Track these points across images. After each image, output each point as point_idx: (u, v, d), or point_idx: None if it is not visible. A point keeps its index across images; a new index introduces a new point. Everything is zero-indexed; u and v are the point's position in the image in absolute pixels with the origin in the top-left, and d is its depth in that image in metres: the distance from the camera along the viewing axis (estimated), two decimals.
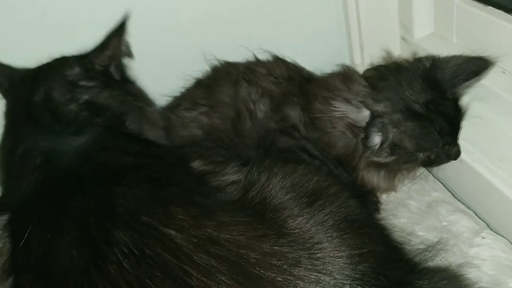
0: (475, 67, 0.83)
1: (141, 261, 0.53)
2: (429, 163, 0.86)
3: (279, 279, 0.53)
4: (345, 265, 0.57)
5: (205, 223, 0.56)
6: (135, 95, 0.88)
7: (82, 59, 0.84)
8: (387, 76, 0.85)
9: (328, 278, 0.55)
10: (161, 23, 1.02)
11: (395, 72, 0.86)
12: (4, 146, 0.80)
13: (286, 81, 0.94)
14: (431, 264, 0.70)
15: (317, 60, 1.02)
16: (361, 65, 1.17)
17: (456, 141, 0.85)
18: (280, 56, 1.00)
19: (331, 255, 0.57)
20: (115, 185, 0.62)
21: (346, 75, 0.87)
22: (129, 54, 0.91)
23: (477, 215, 0.90)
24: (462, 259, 0.79)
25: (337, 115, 0.83)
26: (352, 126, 0.83)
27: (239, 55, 1.01)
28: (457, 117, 0.84)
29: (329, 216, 0.61)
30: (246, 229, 0.57)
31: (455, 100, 0.85)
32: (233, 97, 0.92)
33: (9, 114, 0.83)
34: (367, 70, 0.91)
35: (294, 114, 0.90)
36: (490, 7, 0.94)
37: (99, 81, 0.82)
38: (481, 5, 0.95)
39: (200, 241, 0.54)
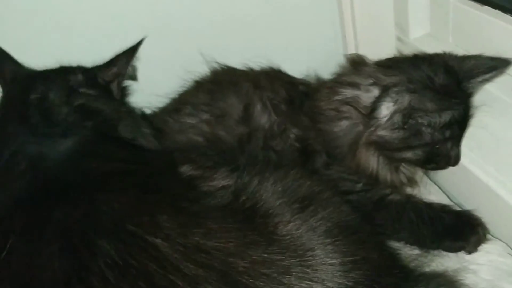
0: (494, 63, 0.83)
1: (125, 272, 0.51)
2: (429, 159, 0.84)
3: None
4: (338, 272, 0.56)
5: (193, 231, 0.55)
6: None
7: (87, 70, 0.85)
8: (402, 59, 0.86)
9: (320, 286, 0.54)
10: (158, 25, 1.02)
11: (410, 57, 0.87)
12: None
13: (287, 104, 0.92)
14: (427, 269, 0.69)
15: (312, 61, 1.02)
16: None
17: (460, 140, 0.84)
18: (276, 67, 1.00)
19: (323, 262, 0.56)
20: (100, 192, 0.60)
21: (354, 61, 0.87)
22: (134, 77, 0.93)
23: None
24: (459, 264, 0.78)
25: (342, 99, 0.83)
26: (359, 107, 0.82)
27: (235, 57, 1.01)
28: (467, 112, 0.83)
29: (321, 222, 0.60)
30: (235, 236, 0.56)
31: (469, 95, 0.84)
32: (244, 117, 0.90)
33: (3, 107, 0.82)
34: (380, 60, 0.90)
35: (298, 133, 0.89)
36: (486, 6, 0.93)
37: (98, 91, 0.82)
38: (477, 5, 0.94)
39: (187, 250, 0.53)
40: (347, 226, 0.62)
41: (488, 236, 0.84)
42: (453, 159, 0.83)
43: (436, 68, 0.81)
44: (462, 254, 0.81)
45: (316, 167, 0.87)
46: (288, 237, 0.58)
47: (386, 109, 0.80)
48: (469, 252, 0.81)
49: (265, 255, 0.55)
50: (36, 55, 0.89)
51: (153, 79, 0.99)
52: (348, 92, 0.83)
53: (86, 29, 0.95)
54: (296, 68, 1.01)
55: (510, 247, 0.83)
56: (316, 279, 0.55)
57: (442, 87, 0.79)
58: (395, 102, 0.79)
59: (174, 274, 0.51)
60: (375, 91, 0.81)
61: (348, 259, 0.57)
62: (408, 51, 1.09)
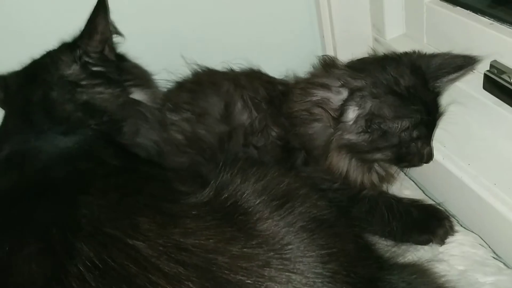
0: (460, 62, 0.84)
1: (105, 274, 0.52)
2: (401, 158, 0.85)
3: (249, 281, 0.54)
4: (315, 263, 0.58)
5: (172, 231, 0.56)
6: (133, 74, 0.86)
7: (74, 51, 0.80)
8: (372, 61, 0.87)
9: (299, 277, 0.56)
10: (143, 28, 1.03)
11: (379, 59, 0.87)
12: None
13: (267, 103, 0.93)
14: (401, 260, 0.72)
15: (291, 61, 1.03)
16: None
17: (430, 139, 0.86)
18: (255, 67, 1.01)
19: (301, 255, 0.58)
20: (82, 194, 0.61)
21: (326, 62, 0.88)
22: (118, 33, 0.88)
23: (448, 212, 0.91)
24: (433, 256, 0.81)
25: (314, 100, 0.84)
26: (329, 109, 0.83)
27: (215, 58, 1.02)
28: (435, 112, 0.85)
29: (299, 217, 0.62)
30: (215, 233, 0.57)
31: (436, 94, 0.86)
32: (225, 115, 0.91)
33: (5, 120, 0.81)
34: (351, 61, 0.91)
35: (280, 132, 0.90)
36: (458, 7, 0.96)
37: (100, 77, 0.80)
38: (450, 6, 0.97)
39: (167, 249, 0.54)
40: (323, 220, 0.64)
41: (458, 228, 0.87)
42: (426, 157, 0.85)
43: (402, 70, 0.82)
44: (436, 246, 0.84)
45: (296, 164, 0.89)
46: (267, 232, 0.59)
47: (352, 113, 0.81)
48: (440, 245, 0.84)
49: (245, 249, 0.56)
50: None
51: None
52: (319, 94, 0.84)
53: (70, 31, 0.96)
54: (275, 68, 1.02)
55: (482, 238, 0.86)
56: (295, 270, 0.56)
57: (407, 89, 0.80)
58: (359, 106, 0.80)
59: (155, 274, 0.51)
60: (344, 94, 0.82)
61: (325, 251, 0.59)
62: (384, 51, 1.13)
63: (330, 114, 0.83)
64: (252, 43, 1.12)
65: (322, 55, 0.90)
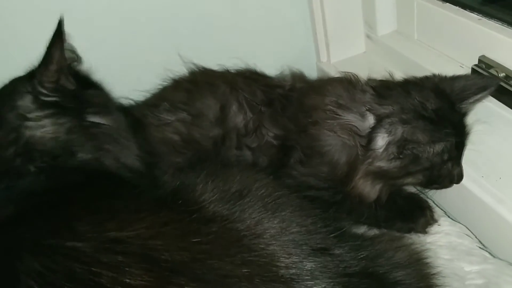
0: (484, 83, 0.84)
1: (50, 278, 0.54)
2: (432, 181, 0.84)
3: (186, 259, 0.55)
4: (265, 238, 0.60)
5: (108, 227, 0.58)
6: (92, 103, 0.83)
7: (31, 80, 0.78)
8: (395, 86, 0.85)
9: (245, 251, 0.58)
10: (139, 26, 1.06)
11: (402, 83, 0.86)
12: None
13: (266, 105, 0.92)
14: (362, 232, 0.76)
15: (283, 58, 1.04)
16: (327, 63, 1.21)
17: (460, 159, 0.85)
18: (251, 68, 1.01)
19: (247, 231, 0.60)
20: (21, 227, 0.61)
21: (351, 82, 0.86)
22: (76, 60, 0.87)
23: (435, 203, 0.92)
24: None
25: (339, 123, 0.83)
26: (355, 134, 0.82)
27: (210, 51, 1.04)
28: (464, 132, 0.84)
29: (248, 204, 0.64)
30: (151, 221, 0.59)
31: (463, 115, 0.85)
32: (220, 118, 0.91)
33: None
34: (371, 80, 0.88)
35: (279, 132, 0.89)
36: (447, 3, 0.97)
37: (52, 107, 0.77)
38: (439, 2, 0.99)
39: (104, 244, 0.56)
40: (275, 203, 0.66)
41: (445, 219, 0.88)
42: (457, 178, 0.84)
43: (427, 94, 0.82)
44: (423, 236, 0.85)
45: (290, 163, 0.88)
46: (210, 213, 0.63)
47: (381, 140, 0.80)
48: (422, 234, 0.86)
49: (184, 231, 0.59)
50: None
51: (135, 75, 1.04)
52: (345, 117, 0.83)
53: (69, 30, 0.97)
54: (268, 65, 1.03)
55: (468, 229, 0.87)
56: (241, 245, 0.58)
57: (435, 112, 0.79)
58: (389, 133, 0.79)
59: (96, 266, 0.54)
60: (370, 120, 0.81)
61: (273, 228, 0.61)
62: (377, 48, 1.14)
63: (357, 140, 0.82)
64: (244, 40, 1.13)
65: (347, 72, 0.88)
